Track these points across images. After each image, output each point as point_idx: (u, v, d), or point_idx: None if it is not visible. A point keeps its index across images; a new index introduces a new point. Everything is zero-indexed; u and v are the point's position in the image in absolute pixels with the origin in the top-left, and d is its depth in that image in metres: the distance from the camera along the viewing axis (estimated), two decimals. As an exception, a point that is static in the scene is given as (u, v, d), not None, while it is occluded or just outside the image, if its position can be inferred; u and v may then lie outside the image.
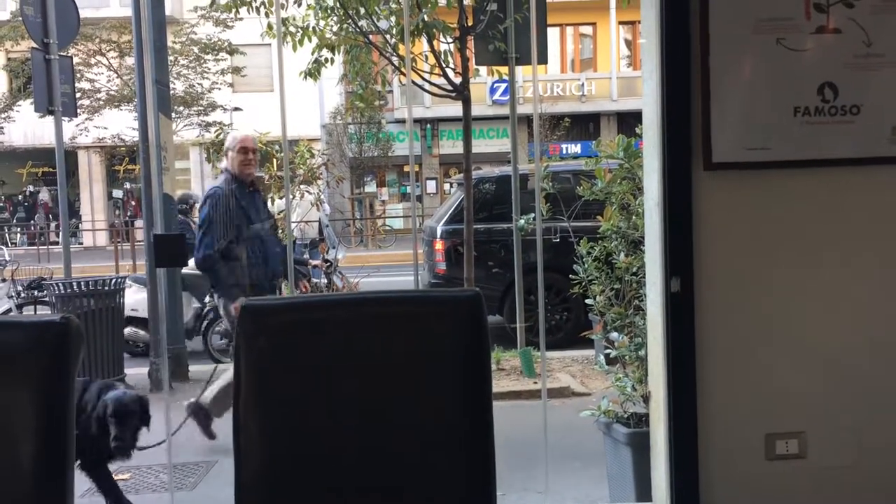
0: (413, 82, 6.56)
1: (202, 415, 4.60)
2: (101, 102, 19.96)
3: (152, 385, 6.31)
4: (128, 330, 7.70)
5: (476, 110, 7.88)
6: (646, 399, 3.29)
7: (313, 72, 7.27)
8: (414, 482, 1.59)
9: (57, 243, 18.94)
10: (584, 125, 23.86)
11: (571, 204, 5.12)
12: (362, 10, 6.78)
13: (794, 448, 2.45)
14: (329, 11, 7.00)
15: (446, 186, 23.33)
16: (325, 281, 7.90)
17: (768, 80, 2.38)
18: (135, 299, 7.32)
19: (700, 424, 2.43)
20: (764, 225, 2.44)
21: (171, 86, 12.27)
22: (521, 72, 16.68)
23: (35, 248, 20.63)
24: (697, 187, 2.40)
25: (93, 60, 19.21)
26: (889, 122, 2.41)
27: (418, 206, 20.43)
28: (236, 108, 20.20)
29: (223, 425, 4.73)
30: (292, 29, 6.98)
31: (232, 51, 20.04)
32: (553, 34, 22.29)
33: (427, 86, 7.12)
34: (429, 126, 23.88)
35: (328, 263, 7.99)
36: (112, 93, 19.91)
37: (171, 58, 15.14)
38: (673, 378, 2.46)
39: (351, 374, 1.60)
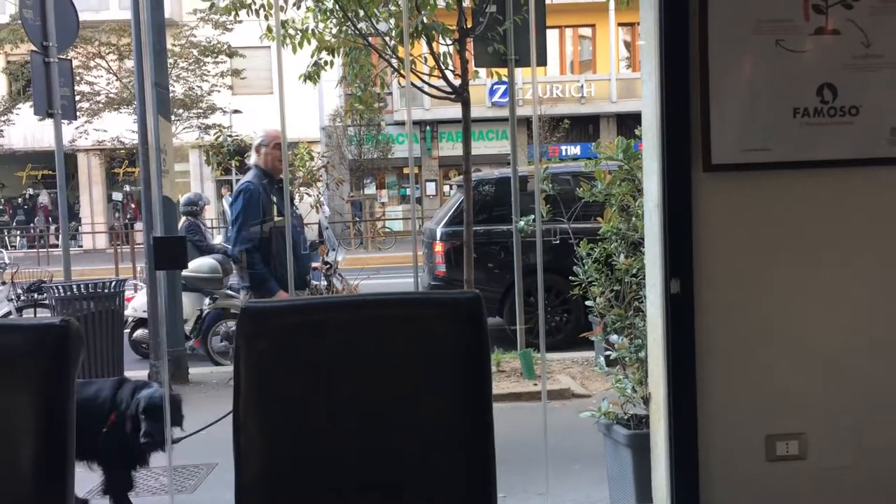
0: (412, 84, 6.55)
1: None
2: (100, 105, 19.99)
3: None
4: (139, 332, 7.72)
5: (475, 112, 7.87)
6: (646, 400, 3.29)
7: (313, 74, 7.27)
8: (414, 483, 1.59)
9: (56, 246, 18.96)
10: (583, 127, 23.89)
11: (571, 205, 5.12)
12: (361, 13, 6.78)
13: (794, 449, 2.45)
14: (328, 14, 7.00)
15: (446, 188, 23.35)
16: (325, 283, 7.90)
17: (767, 81, 2.38)
18: (145, 301, 7.33)
19: (700, 426, 2.43)
20: (763, 226, 2.44)
21: (171, 88, 12.28)
22: (521, 74, 16.69)
23: (35, 250, 20.63)
24: (697, 189, 2.40)
25: (92, 63, 19.23)
26: (888, 123, 2.42)
27: (418, 208, 20.43)
28: (236, 111, 20.21)
29: (224, 426, 4.72)
30: (291, 31, 6.98)
31: (231, 53, 20.06)
32: (552, 36, 22.32)
33: (426, 88, 7.12)
34: (428, 128, 23.89)
35: (328, 265, 7.99)
36: (111, 95, 19.93)
37: (170, 60, 15.17)
38: (673, 379, 2.46)
39: (351, 375, 1.60)
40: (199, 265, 7.87)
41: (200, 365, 7.40)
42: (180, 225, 9.10)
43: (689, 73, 2.38)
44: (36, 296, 7.86)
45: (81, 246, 23.19)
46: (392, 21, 7.03)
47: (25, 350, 1.56)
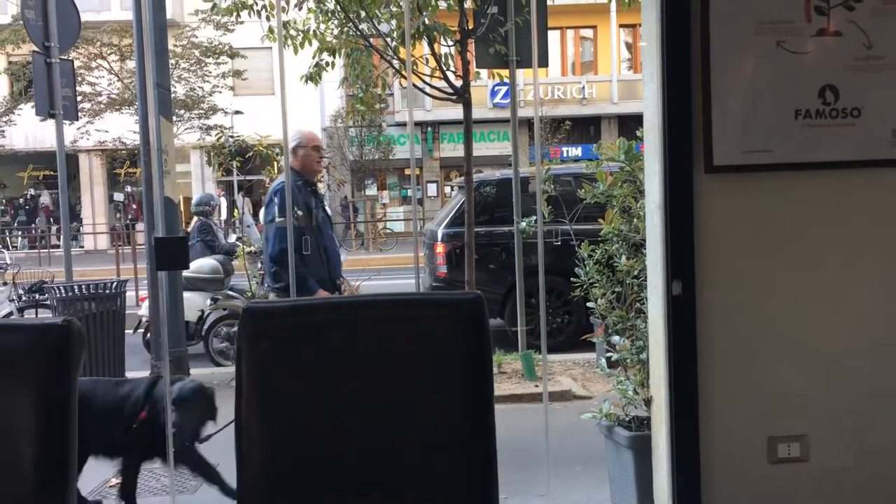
0: (414, 85, 6.56)
1: None
2: (102, 106, 20.00)
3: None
4: None
5: (477, 113, 7.88)
6: (647, 402, 3.29)
7: (314, 75, 7.28)
8: (416, 484, 1.59)
9: (58, 247, 18.95)
10: (584, 128, 23.89)
11: (572, 207, 5.12)
12: (363, 14, 6.78)
13: (796, 451, 2.44)
14: (330, 15, 7.01)
15: (447, 189, 23.37)
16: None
17: (769, 82, 2.38)
18: None
19: (702, 428, 2.43)
20: (765, 228, 2.44)
21: (172, 89, 12.27)
22: (522, 75, 16.70)
23: (36, 251, 20.66)
24: (698, 190, 2.40)
25: (94, 64, 19.25)
26: (890, 125, 2.41)
27: (419, 209, 20.41)
28: (237, 112, 20.22)
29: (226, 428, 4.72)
30: (293, 32, 6.99)
31: (233, 54, 20.07)
32: (554, 37, 22.33)
33: (428, 89, 7.12)
34: (429, 129, 23.90)
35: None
36: (113, 96, 19.95)
37: (172, 61, 15.18)
38: (675, 381, 2.46)
39: (353, 376, 1.60)
40: (200, 266, 7.88)
41: (201, 366, 7.40)
42: (192, 225, 9.14)
43: (690, 74, 2.38)
44: (37, 296, 7.87)
45: (83, 246, 23.22)
46: (393, 22, 7.03)
47: (27, 350, 1.56)
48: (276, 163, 8.38)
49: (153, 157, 6.21)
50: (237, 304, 7.77)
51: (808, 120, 2.38)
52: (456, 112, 7.90)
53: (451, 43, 6.85)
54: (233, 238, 9.32)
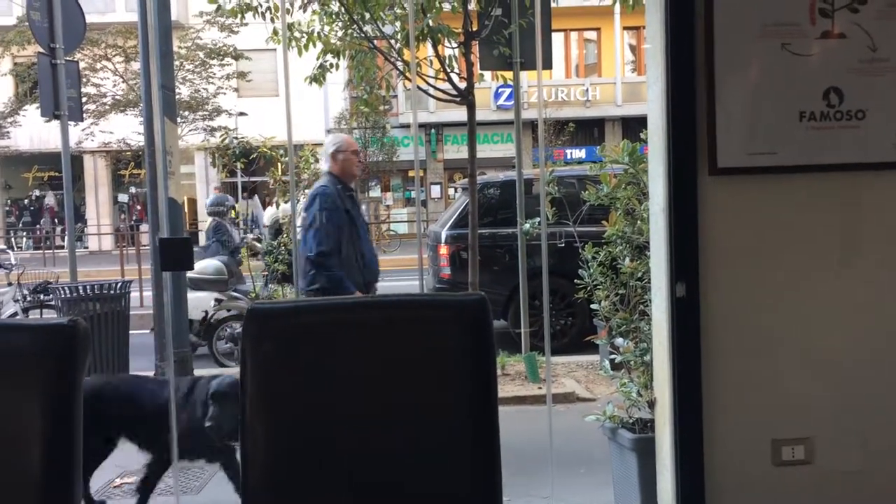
0: (418, 87, 6.57)
1: None
2: (106, 107, 20.03)
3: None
4: None
5: (480, 115, 7.89)
6: (651, 404, 3.29)
7: (318, 77, 7.28)
8: (420, 485, 1.59)
9: (62, 247, 18.99)
10: (588, 130, 23.87)
11: (576, 209, 5.12)
12: (367, 16, 6.79)
13: (800, 454, 2.44)
14: (334, 17, 7.02)
15: (451, 191, 23.36)
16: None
17: (773, 84, 2.38)
18: None
19: (706, 430, 2.43)
20: (769, 230, 2.43)
21: (177, 91, 12.30)
22: (526, 77, 16.68)
23: (41, 252, 20.68)
24: (703, 192, 2.40)
25: (99, 65, 19.28)
26: (894, 127, 2.41)
27: (423, 210, 20.43)
28: (241, 113, 20.24)
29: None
30: (297, 34, 6.99)
31: (237, 56, 20.09)
32: (557, 39, 22.33)
33: (432, 91, 7.13)
34: (433, 131, 23.91)
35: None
36: (118, 97, 19.98)
37: (176, 63, 15.19)
38: (678, 383, 2.46)
39: (357, 377, 1.60)
40: (204, 266, 7.90)
41: (206, 367, 7.41)
42: (208, 226, 9.20)
43: (694, 76, 2.38)
44: (42, 297, 7.89)
45: (87, 247, 23.24)
46: (398, 24, 7.05)
47: (33, 350, 1.57)
48: (279, 164, 8.40)
49: (158, 159, 6.21)
50: (241, 304, 7.78)
51: (813, 122, 2.38)
52: (460, 114, 7.90)
53: (455, 45, 6.85)
54: (250, 237, 9.39)
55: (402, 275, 11.81)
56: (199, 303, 7.77)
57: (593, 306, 3.95)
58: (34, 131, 20.85)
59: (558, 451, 3.62)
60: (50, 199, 25.76)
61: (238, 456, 3.75)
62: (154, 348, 6.85)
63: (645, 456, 3.19)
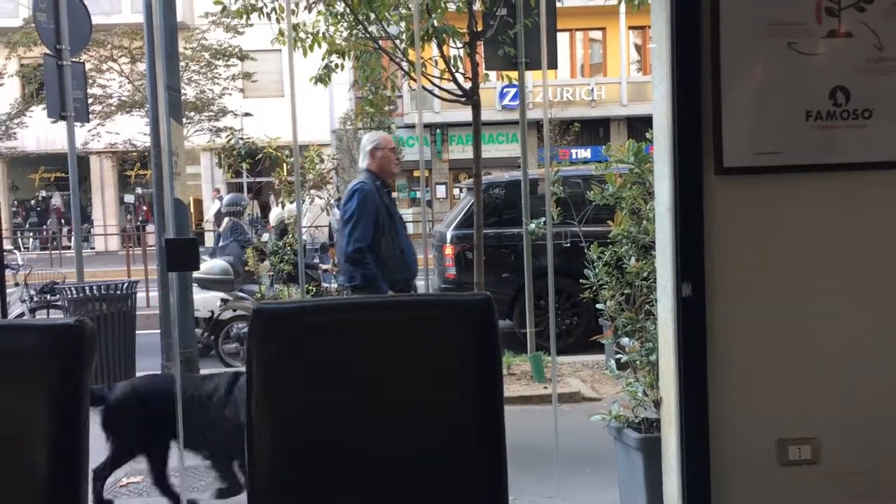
0: (423, 87, 6.57)
1: None
2: (112, 108, 20.09)
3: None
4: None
5: (486, 115, 7.88)
6: (657, 404, 3.28)
7: (323, 77, 7.30)
8: (425, 485, 1.59)
9: (69, 248, 19.06)
10: (593, 130, 23.83)
11: (582, 209, 5.11)
12: (372, 16, 6.80)
13: (806, 453, 2.43)
14: (339, 17, 7.03)
15: (456, 191, 23.35)
16: (336, 285, 7.93)
17: (780, 84, 2.37)
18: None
19: (712, 429, 2.42)
20: (775, 229, 2.43)
21: (183, 91, 12.34)
22: (531, 77, 16.68)
23: (47, 252, 20.75)
24: (709, 192, 2.40)
25: (105, 66, 19.34)
26: (901, 126, 2.40)
27: (428, 210, 20.43)
28: (247, 114, 20.28)
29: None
30: (303, 35, 7.01)
31: (242, 56, 20.13)
32: (563, 39, 22.31)
33: (437, 91, 7.14)
34: (438, 131, 23.91)
35: (338, 268, 8.02)
36: (124, 98, 20.04)
37: (182, 64, 15.22)
38: (684, 383, 2.45)
39: (362, 377, 1.60)
40: (210, 266, 7.92)
41: (212, 367, 7.42)
42: (224, 225, 9.25)
43: (700, 75, 2.37)
44: (49, 297, 7.91)
45: (94, 248, 23.32)
46: (403, 24, 7.05)
47: (40, 350, 1.57)
48: (285, 165, 8.41)
49: (164, 159, 6.23)
50: (247, 304, 7.80)
51: (819, 121, 2.37)
52: (465, 114, 7.90)
53: (460, 45, 6.86)
54: (266, 237, 9.44)
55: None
56: (206, 303, 7.79)
57: (599, 306, 3.95)
58: (41, 132, 20.92)
59: (564, 450, 3.62)
60: (56, 200, 25.84)
61: None
62: (148, 349, 6.87)
63: (651, 455, 3.19)
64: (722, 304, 2.41)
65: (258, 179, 20.25)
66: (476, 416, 1.60)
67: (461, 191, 16.88)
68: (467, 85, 6.86)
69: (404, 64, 7.20)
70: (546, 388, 5.97)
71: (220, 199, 20.85)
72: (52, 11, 6.76)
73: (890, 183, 2.44)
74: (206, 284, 7.77)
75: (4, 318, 2.98)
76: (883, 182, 2.43)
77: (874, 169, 2.41)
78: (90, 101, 13.70)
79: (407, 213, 24.69)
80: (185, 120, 15.60)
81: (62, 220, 24.91)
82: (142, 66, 18.16)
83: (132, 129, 19.70)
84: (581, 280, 4.05)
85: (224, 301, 7.88)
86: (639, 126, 21.73)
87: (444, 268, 8.39)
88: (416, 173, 24.40)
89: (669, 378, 2.56)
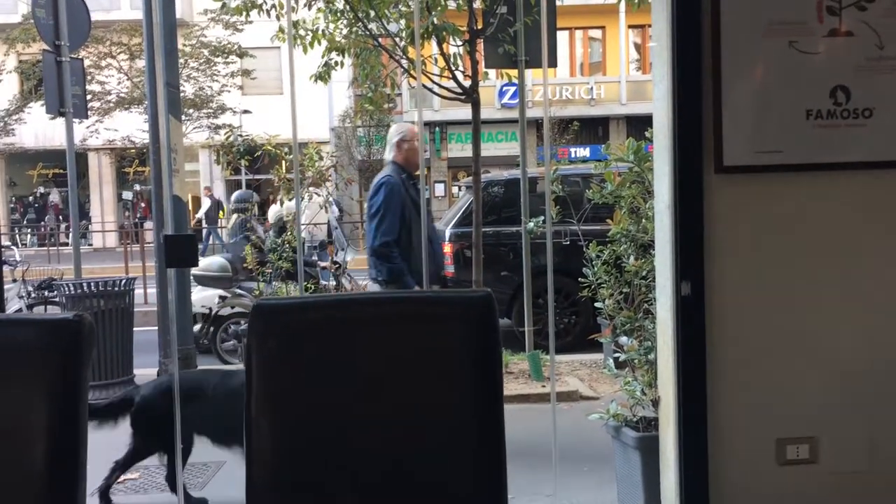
0: (423, 85, 6.56)
1: None
2: (111, 105, 20.09)
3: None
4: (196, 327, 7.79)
5: (485, 113, 7.88)
6: (655, 403, 3.28)
7: (323, 75, 7.29)
8: (425, 483, 1.59)
9: (67, 244, 19.06)
10: (593, 129, 23.84)
11: (581, 207, 5.12)
12: (372, 14, 6.79)
13: (805, 453, 2.43)
14: (339, 15, 7.02)
15: (455, 190, 23.35)
16: (334, 283, 7.93)
17: (780, 83, 2.37)
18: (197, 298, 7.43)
19: (710, 428, 2.42)
20: (775, 228, 2.43)
21: (181, 88, 12.32)
22: (531, 75, 16.67)
23: (45, 248, 20.73)
24: (708, 190, 2.40)
25: (103, 63, 19.33)
26: (902, 126, 2.40)
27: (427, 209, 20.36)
28: (246, 111, 20.27)
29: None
30: (302, 32, 7.00)
31: (242, 54, 20.13)
32: (562, 38, 22.31)
33: (436, 89, 7.12)
34: (437, 129, 23.90)
35: (337, 265, 8.02)
36: (122, 95, 20.03)
37: (181, 60, 15.22)
38: (683, 382, 2.45)
39: (362, 374, 1.60)
40: (208, 263, 7.91)
41: (209, 364, 7.42)
42: (232, 222, 9.27)
43: (701, 74, 2.37)
44: (46, 293, 7.90)
45: (91, 244, 23.30)
46: (402, 22, 7.04)
47: (38, 345, 1.57)
48: (283, 162, 8.40)
49: (162, 156, 6.23)
50: (245, 301, 7.79)
51: (820, 120, 2.37)
52: (464, 112, 7.89)
53: (459, 43, 6.85)
54: (270, 235, 9.44)
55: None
56: (204, 299, 7.79)
57: (597, 305, 3.94)
58: (39, 129, 20.90)
59: (562, 449, 3.62)
60: (54, 196, 25.82)
61: None
62: (145, 346, 6.87)
63: (649, 454, 3.19)
64: (721, 303, 2.41)
65: (257, 177, 20.25)
66: (476, 413, 1.60)
67: (460, 189, 16.88)
68: (467, 83, 6.85)
69: (404, 61, 7.19)
70: (544, 386, 5.97)
71: (212, 197, 20.85)
72: (51, 7, 6.75)
73: (890, 182, 2.44)
74: (205, 281, 7.77)
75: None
76: (883, 181, 2.43)
77: (874, 168, 2.41)
78: (89, 97, 13.68)
79: (406, 211, 24.70)
80: (183, 117, 15.60)
81: (60, 217, 24.90)
82: (140, 63, 18.16)
83: (131, 126, 19.69)
84: (580, 279, 4.05)
85: (222, 298, 7.87)
86: (638, 125, 21.75)
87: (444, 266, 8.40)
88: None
89: (668, 377, 2.56)
